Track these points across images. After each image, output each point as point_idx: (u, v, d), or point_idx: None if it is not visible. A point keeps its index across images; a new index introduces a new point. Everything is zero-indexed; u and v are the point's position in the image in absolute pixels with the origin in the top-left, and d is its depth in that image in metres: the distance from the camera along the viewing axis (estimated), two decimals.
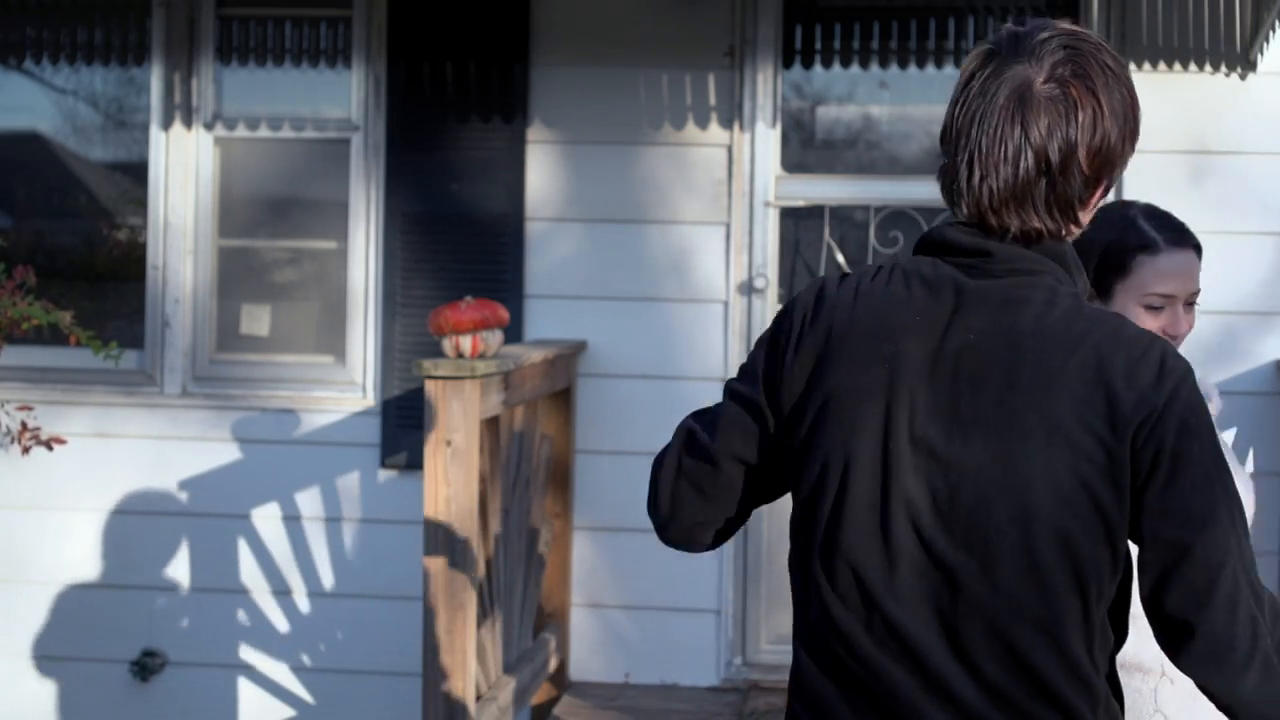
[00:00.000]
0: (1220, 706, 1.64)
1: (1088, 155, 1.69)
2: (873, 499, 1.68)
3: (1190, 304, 2.40)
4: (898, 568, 1.68)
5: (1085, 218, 1.74)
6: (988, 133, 1.69)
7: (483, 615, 4.15)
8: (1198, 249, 2.42)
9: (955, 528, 1.65)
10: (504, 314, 4.30)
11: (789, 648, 1.90)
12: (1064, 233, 1.73)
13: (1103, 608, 1.67)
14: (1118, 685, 1.72)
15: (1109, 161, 1.71)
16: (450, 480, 3.80)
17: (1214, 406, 2.44)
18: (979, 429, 1.65)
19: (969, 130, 1.70)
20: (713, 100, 5.18)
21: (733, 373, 5.14)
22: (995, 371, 1.66)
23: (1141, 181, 5.02)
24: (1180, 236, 2.41)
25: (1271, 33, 4.80)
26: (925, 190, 5.20)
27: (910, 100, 5.33)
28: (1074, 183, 1.70)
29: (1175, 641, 1.63)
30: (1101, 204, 1.78)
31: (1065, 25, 1.74)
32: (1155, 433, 1.62)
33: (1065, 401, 1.62)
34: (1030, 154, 1.68)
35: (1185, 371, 1.66)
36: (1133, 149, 1.74)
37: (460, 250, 5.24)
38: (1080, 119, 1.68)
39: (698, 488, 1.86)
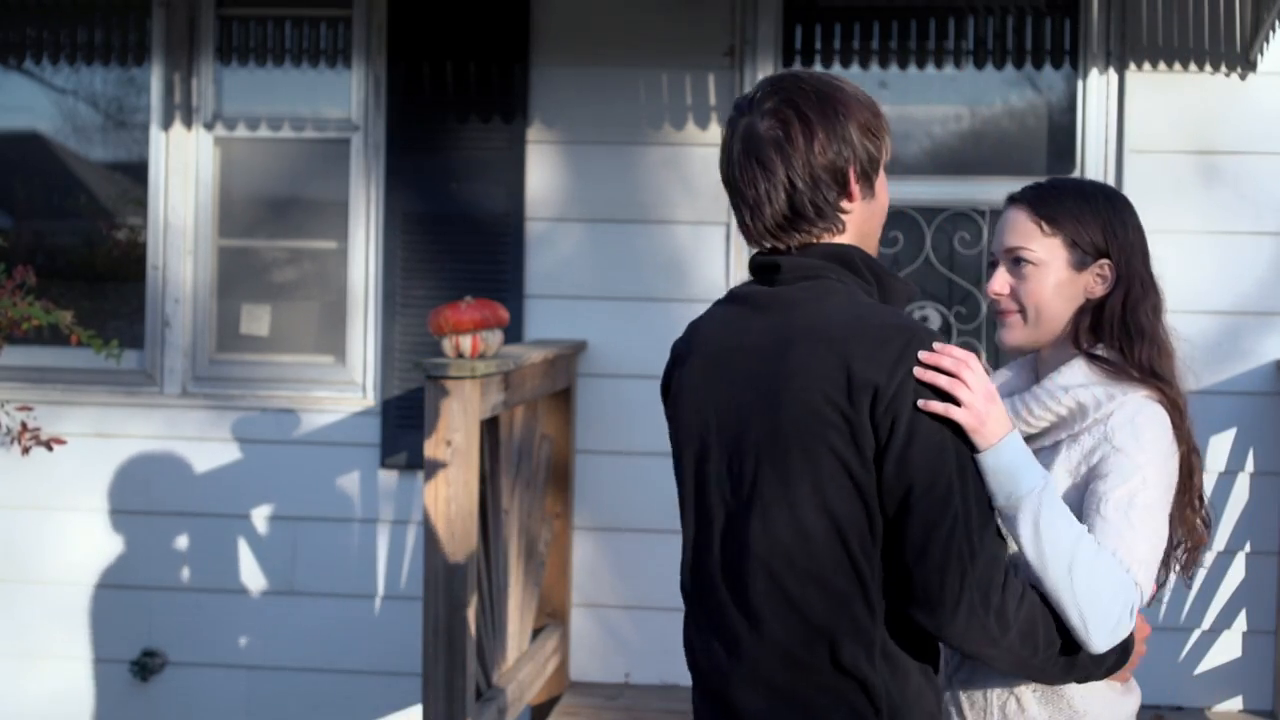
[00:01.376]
0: (932, 636, 1.95)
1: (819, 166, 2.01)
2: (695, 481, 2.06)
3: (1018, 260, 2.21)
4: (711, 540, 2.04)
5: (856, 210, 2.04)
6: (743, 181, 2.04)
7: (483, 615, 4.15)
8: (1033, 206, 2.23)
9: (741, 491, 1.99)
10: (504, 314, 4.30)
11: None
12: (835, 231, 2.04)
13: (872, 562, 1.94)
14: (917, 642, 1.98)
15: (842, 162, 2.02)
16: (450, 480, 3.80)
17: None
18: (755, 411, 1.99)
19: (732, 184, 2.07)
20: (713, 100, 5.18)
21: None
22: (768, 362, 1.99)
23: (1142, 181, 5.02)
24: (1014, 195, 2.29)
25: (1271, 33, 4.80)
26: (925, 190, 5.20)
27: (910, 100, 5.33)
28: (821, 190, 2.02)
29: (896, 586, 1.93)
30: (868, 197, 2.06)
31: (774, 73, 2.06)
32: (890, 406, 1.90)
33: (814, 382, 1.94)
34: (777, 185, 2.02)
35: (917, 352, 1.93)
36: (872, 138, 2.04)
37: (460, 250, 5.24)
38: (798, 140, 2.00)
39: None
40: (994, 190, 5.17)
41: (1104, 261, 2.20)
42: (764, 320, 2.02)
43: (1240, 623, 5.00)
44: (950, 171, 5.21)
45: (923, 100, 5.32)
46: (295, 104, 5.40)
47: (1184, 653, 5.02)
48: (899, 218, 5.20)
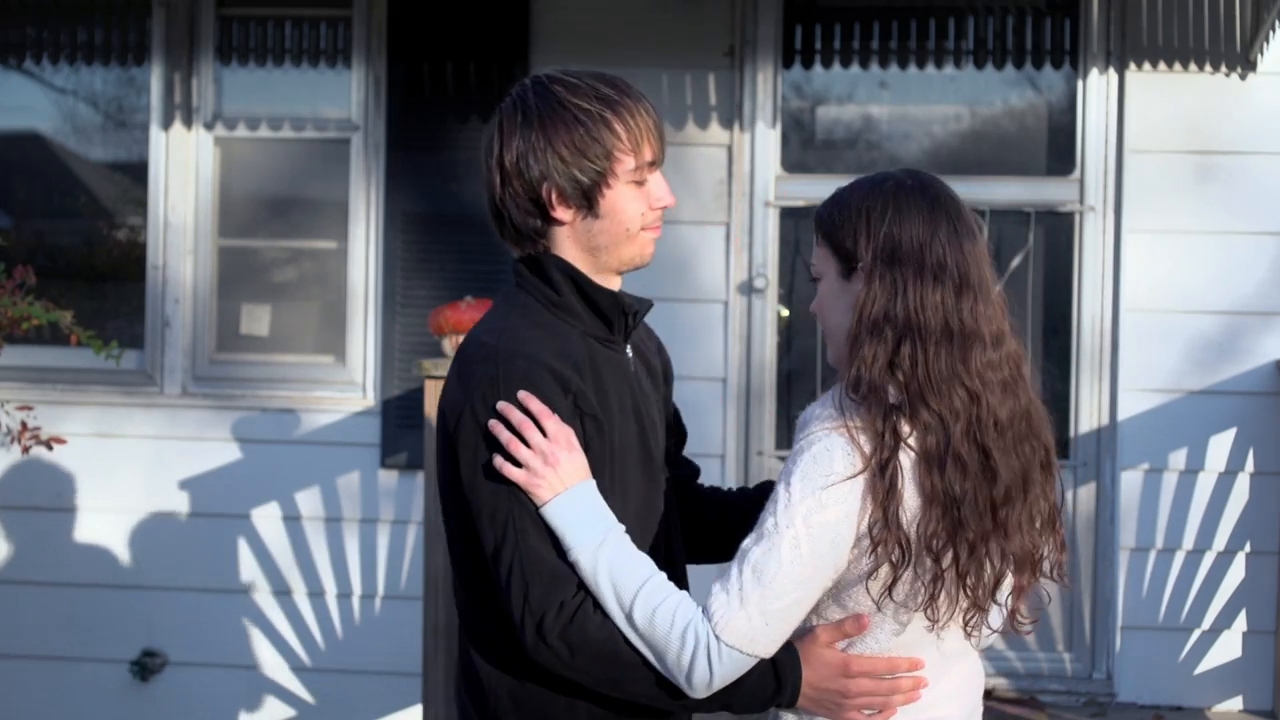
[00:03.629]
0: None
1: (514, 188, 2.07)
2: None
3: (815, 280, 2.06)
4: None
5: (574, 227, 2.07)
6: None
7: None
8: (817, 215, 2.05)
9: None
10: None
11: None
12: (539, 248, 2.10)
13: (479, 571, 2.01)
14: (512, 643, 1.98)
15: (536, 185, 2.04)
16: None
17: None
18: None
19: None
20: (713, 100, 5.18)
21: (733, 373, 5.14)
22: None
23: (1142, 181, 5.03)
24: None
25: (1271, 33, 4.80)
26: None
27: (910, 100, 5.33)
28: (521, 212, 2.08)
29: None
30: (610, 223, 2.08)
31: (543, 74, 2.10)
32: (458, 430, 1.98)
33: (440, 397, 2.07)
34: (488, 202, 2.13)
35: (484, 380, 1.98)
36: (586, 158, 2.03)
37: (460, 250, 5.24)
38: (491, 161, 2.10)
39: None
40: (994, 190, 5.17)
41: (861, 264, 1.97)
42: None
43: (1240, 623, 5.00)
44: (950, 171, 5.20)
45: (923, 100, 5.32)
46: (295, 104, 5.40)
47: (1184, 653, 5.02)
48: None
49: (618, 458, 2.06)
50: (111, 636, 5.38)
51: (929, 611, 1.94)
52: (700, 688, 1.91)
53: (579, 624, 1.91)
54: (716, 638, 1.88)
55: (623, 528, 1.97)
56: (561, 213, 2.07)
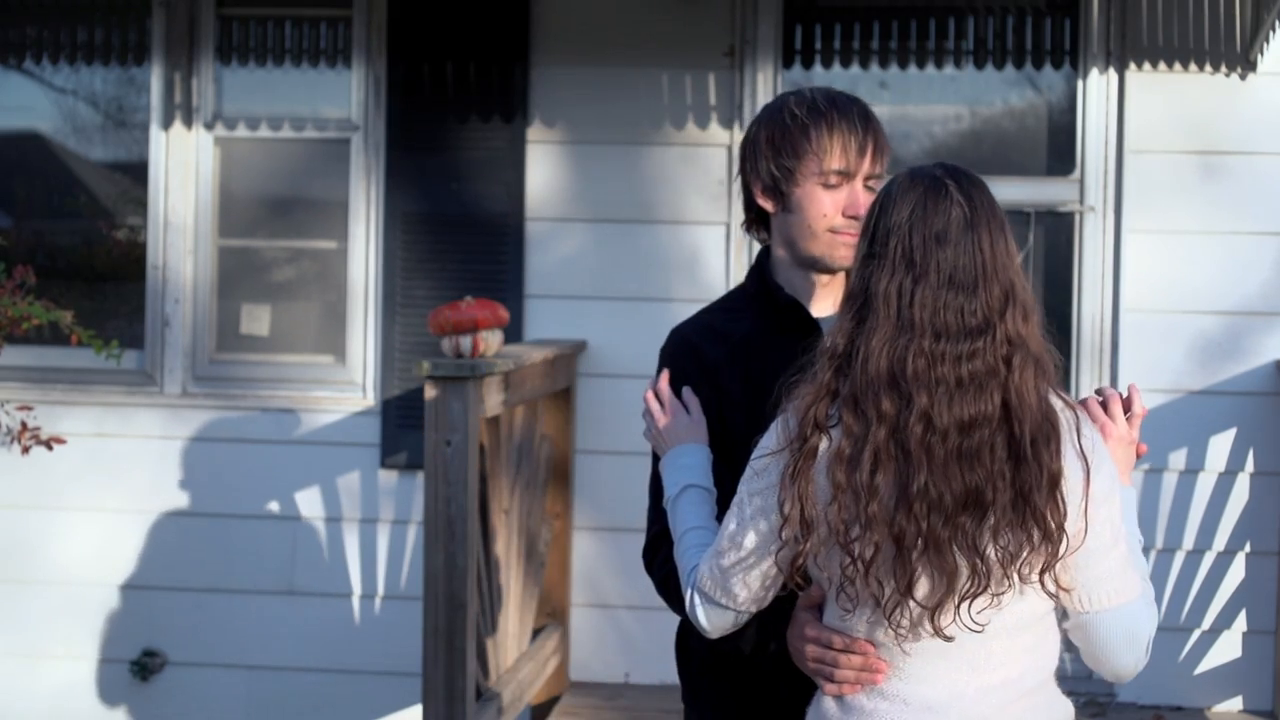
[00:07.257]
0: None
1: (740, 169, 2.36)
2: None
3: None
4: None
5: (776, 220, 2.33)
6: None
7: (482, 615, 4.15)
8: None
9: None
10: (504, 314, 4.30)
11: None
12: (766, 234, 2.39)
13: None
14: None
15: (746, 173, 2.33)
16: (450, 480, 3.80)
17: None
18: None
19: None
20: (713, 100, 5.18)
21: None
22: None
23: (1142, 181, 5.03)
24: None
25: (1271, 33, 4.80)
26: None
27: (910, 100, 5.33)
28: (742, 199, 2.37)
29: None
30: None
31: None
32: None
33: None
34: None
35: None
36: (779, 156, 2.28)
37: (460, 250, 5.24)
38: (740, 164, 2.39)
39: None
40: (994, 190, 5.15)
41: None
42: None
43: (1240, 623, 5.00)
44: None
45: (923, 100, 5.32)
46: (295, 104, 5.40)
47: (1184, 653, 5.02)
48: None
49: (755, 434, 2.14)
50: (111, 636, 5.38)
51: (840, 599, 1.99)
52: (696, 624, 2.16)
53: (659, 563, 2.32)
54: (695, 585, 2.13)
55: (705, 488, 2.23)
56: (764, 203, 2.34)
